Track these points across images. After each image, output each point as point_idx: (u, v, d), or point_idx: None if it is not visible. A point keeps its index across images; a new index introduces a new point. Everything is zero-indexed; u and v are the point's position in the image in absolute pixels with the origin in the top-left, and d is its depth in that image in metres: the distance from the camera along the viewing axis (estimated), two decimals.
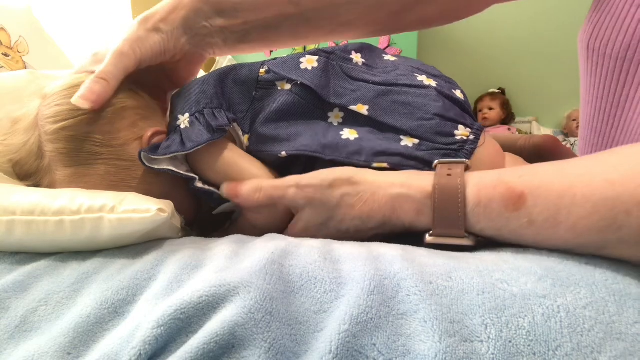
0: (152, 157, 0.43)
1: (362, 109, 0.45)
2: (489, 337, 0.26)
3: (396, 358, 0.25)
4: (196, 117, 0.45)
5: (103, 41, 1.71)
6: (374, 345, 0.26)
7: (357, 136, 0.44)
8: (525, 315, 0.27)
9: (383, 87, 0.46)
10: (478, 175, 0.37)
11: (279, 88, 0.46)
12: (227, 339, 0.26)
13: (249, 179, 0.44)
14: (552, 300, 0.27)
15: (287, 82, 0.46)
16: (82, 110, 0.43)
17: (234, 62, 0.64)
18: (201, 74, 0.57)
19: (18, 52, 1.14)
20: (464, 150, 0.43)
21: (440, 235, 0.36)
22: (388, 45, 2.18)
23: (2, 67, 1.06)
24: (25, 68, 1.12)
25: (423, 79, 0.47)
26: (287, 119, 0.45)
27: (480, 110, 2.74)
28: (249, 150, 0.47)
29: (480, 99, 2.78)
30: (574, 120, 2.58)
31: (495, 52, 2.72)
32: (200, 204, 0.50)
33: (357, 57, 0.49)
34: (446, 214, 0.36)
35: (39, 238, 0.36)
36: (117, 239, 0.36)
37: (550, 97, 2.71)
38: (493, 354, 0.25)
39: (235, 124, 0.46)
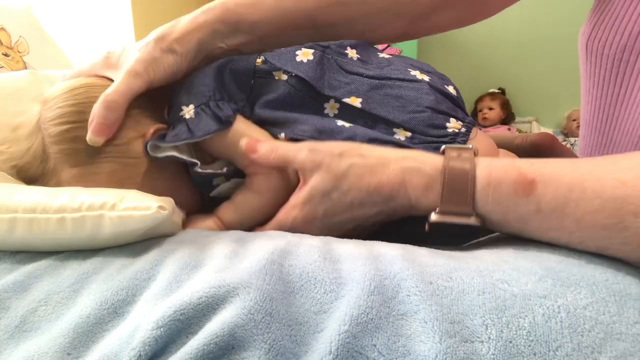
0: (159, 144, 0.45)
1: (356, 102, 0.46)
2: (489, 338, 0.26)
3: (396, 359, 0.25)
4: (202, 109, 0.45)
5: (115, 42, 1.72)
6: (374, 345, 0.26)
7: (351, 125, 0.46)
8: (526, 316, 0.27)
9: (376, 81, 0.47)
10: (488, 159, 0.37)
11: (276, 78, 0.47)
12: (226, 340, 0.26)
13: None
14: (552, 301, 0.27)
15: (284, 72, 0.47)
16: (85, 110, 0.43)
17: None
18: None
19: (18, 52, 1.14)
20: (456, 143, 0.44)
21: (447, 212, 0.36)
22: (388, 46, 2.18)
23: (2, 67, 1.06)
24: (25, 68, 1.12)
25: (416, 73, 0.48)
26: (284, 108, 0.47)
27: (480, 110, 2.74)
28: None
29: (480, 99, 2.78)
30: (574, 120, 2.58)
31: (495, 52, 2.72)
32: (203, 199, 0.50)
33: (352, 53, 0.50)
34: (455, 190, 0.36)
35: (40, 236, 0.36)
36: (118, 236, 0.36)
37: (550, 97, 2.71)
38: (493, 354, 0.25)
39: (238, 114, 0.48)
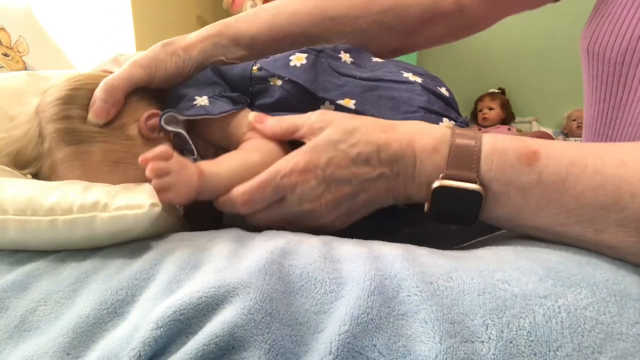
0: (177, 115, 0.46)
1: (349, 103, 0.46)
2: (489, 338, 0.26)
3: (397, 359, 0.25)
4: (215, 98, 0.48)
5: (115, 43, 1.72)
6: (375, 346, 0.26)
7: None
8: (526, 316, 0.27)
9: (370, 83, 0.47)
10: (493, 134, 0.38)
11: (272, 83, 0.48)
12: (226, 340, 0.26)
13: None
14: (552, 301, 0.27)
15: (278, 78, 0.48)
16: (82, 94, 0.44)
17: None
18: None
19: (18, 52, 1.14)
20: None
21: (451, 177, 0.36)
22: None
23: (2, 67, 1.06)
24: (25, 68, 1.12)
25: (409, 75, 0.49)
26: (281, 111, 0.47)
27: (480, 110, 2.74)
28: None
29: (480, 99, 2.78)
30: (574, 120, 2.58)
31: (495, 52, 2.72)
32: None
33: (345, 56, 0.51)
34: (461, 154, 0.36)
35: (33, 237, 0.36)
36: (113, 235, 0.36)
37: (550, 97, 2.71)
38: (494, 354, 0.25)
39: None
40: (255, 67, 0.49)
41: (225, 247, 0.35)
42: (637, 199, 0.30)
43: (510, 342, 0.25)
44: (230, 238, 0.37)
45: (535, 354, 0.25)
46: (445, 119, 0.46)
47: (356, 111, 0.46)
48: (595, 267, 0.31)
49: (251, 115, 0.46)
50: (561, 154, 0.34)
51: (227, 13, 2.34)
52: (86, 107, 0.44)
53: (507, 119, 2.71)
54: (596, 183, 0.32)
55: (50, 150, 0.43)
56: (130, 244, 0.37)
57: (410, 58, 1.94)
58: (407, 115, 0.45)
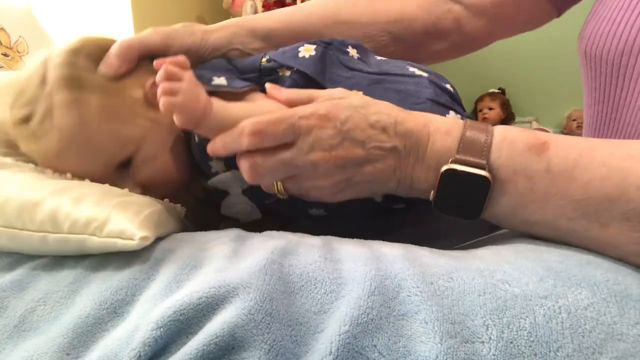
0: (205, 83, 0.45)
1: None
2: (490, 338, 0.26)
3: (397, 359, 0.25)
4: (232, 79, 0.48)
5: None
6: (375, 346, 0.26)
7: None
8: (527, 316, 0.27)
9: (377, 76, 0.48)
10: (505, 126, 0.38)
11: (280, 74, 0.48)
12: (226, 340, 0.26)
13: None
14: (553, 301, 0.27)
15: (287, 68, 0.48)
16: (92, 49, 0.45)
17: None
18: None
19: (18, 52, 1.14)
20: None
21: (461, 162, 0.36)
22: None
23: (1, 67, 1.06)
24: None
25: (415, 70, 0.49)
26: None
27: (480, 110, 2.74)
28: None
29: (480, 99, 2.77)
30: (574, 120, 2.58)
31: (495, 52, 2.72)
32: (191, 169, 0.50)
33: (352, 51, 0.51)
34: (473, 139, 0.36)
35: (25, 248, 0.36)
36: (104, 253, 0.36)
37: (550, 97, 2.71)
38: (494, 354, 0.25)
39: None
40: (264, 59, 0.49)
41: (225, 247, 0.35)
42: None
43: (511, 343, 0.25)
44: (230, 238, 0.37)
45: (535, 355, 0.25)
46: (451, 112, 0.46)
47: None
48: (596, 267, 0.31)
49: (268, 85, 0.45)
50: (570, 146, 0.34)
51: (227, 13, 2.34)
52: (93, 59, 0.45)
53: (507, 119, 2.71)
54: (603, 174, 0.32)
55: (50, 93, 0.43)
56: None
57: None
58: (414, 106, 0.45)
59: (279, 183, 0.40)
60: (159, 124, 0.46)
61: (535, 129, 2.66)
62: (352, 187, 0.40)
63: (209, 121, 0.40)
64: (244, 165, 0.39)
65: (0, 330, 0.31)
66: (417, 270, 0.30)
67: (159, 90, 0.37)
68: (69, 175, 0.43)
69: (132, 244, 0.34)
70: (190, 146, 0.48)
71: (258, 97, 0.47)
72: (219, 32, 0.52)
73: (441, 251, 0.35)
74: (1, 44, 1.10)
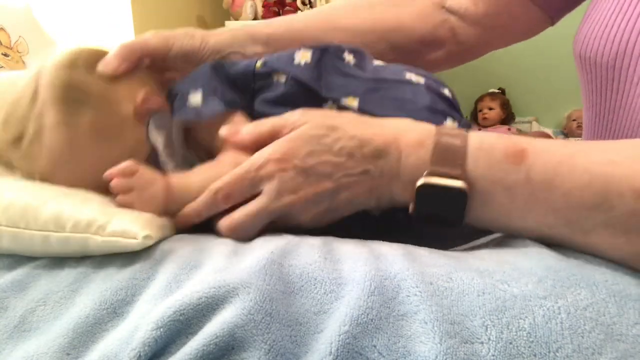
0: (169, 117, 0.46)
1: (353, 102, 0.46)
2: (489, 339, 0.26)
3: (396, 359, 0.25)
4: (209, 97, 0.47)
5: (107, 44, 1.72)
6: (374, 346, 0.26)
7: None
8: (526, 317, 0.27)
9: (373, 83, 0.47)
10: (480, 132, 0.38)
11: (275, 79, 0.48)
12: (226, 340, 0.26)
13: None
14: (552, 302, 0.27)
15: (282, 74, 0.47)
16: (84, 63, 0.44)
17: None
18: None
19: (18, 52, 1.14)
20: None
21: (436, 173, 0.35)
22: None
23: (1, 67, 1.06)
24: (25, 68, 1.12)
25: (412, 76, 0.49)
26: (284, 105, 0.46)
27: (480, 110, 2.74)
28: None
29: (480, 99, 2.77)
30: (574, 120, 2.58)
31: (495, 52, 2.72)
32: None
33: (349, 57, 0.51)
34: (447, 149, 0.35)
35: (26, 248, 0.36)
36: (106, 253, 0.36)
37: (550, 97, 2.71)
38: (494, 355, 0.25)
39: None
40: (259, 63, 0.48)
41: (225, 247, 0.35)
42: (624, 199, 0.30)
43: (510, 343, 0.25)
44: (229, 239, 0.38)
45: (535, 355, 0.25)
46: (449, 119, 0.46)
47: (359, 110, 0.46)
48: (595, 267, 0.31)
49: (223, 130, 0.44)
50: (549, 153, 0.34)
51: (227, 13, 2.34)
52: (85, 73, 0.44)
53: (507, 119, 2.71)
54: (584, 182, 0.32)
55: (41, 113, 0.43)
56: None
57: None
58: (411, 114, 0.44)
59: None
60: (146, 144, 0.46)
61: (535, 129, 2.66)
62: (333, 212, 0.39)
63: (173, 206, 0.41)
64: (224, 226, 0.39)
65: (0, 331, 0.31)
66: (416, 270, 0.30)
67: (112, 187, 0.38)
68: None
69: (135, 243, 0.34)
70: None
71: (237, 119, 0.46)
72: (218, 35, 0.52)
73: (441, 251, 0.35)
74: (1, 44, 1.10)
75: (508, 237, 0.38)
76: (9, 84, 0.52)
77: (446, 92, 0.49)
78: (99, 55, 0.46)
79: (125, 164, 0.38)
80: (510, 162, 0.34)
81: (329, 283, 0.30)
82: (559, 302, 0.27)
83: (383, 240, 0.38)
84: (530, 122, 2.74)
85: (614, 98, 0.45)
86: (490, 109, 2.70)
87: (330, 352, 0.25)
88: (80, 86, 0.44)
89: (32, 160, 0.43)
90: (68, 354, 0.28)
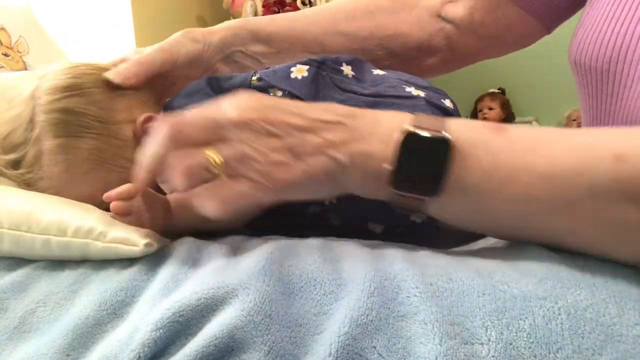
0: None
1: None
2: (489, 340, 0.26)
3: None
4: None
5: (115, 42, 1.72)
6: (374, 347, 0.26)
7: None
8: (526, 317, 0.27)
9: (372, 99, 0.46)
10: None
11: (272, 94, 0.47)
12: (226, 342, 0.26)
13: None
14: (552, 302, 0.27)
15: (278, 89, 0.46)
16: (81, 85, 0.44)
17: None
18: None
19: (18, 52, 1.14)
20: None
21: (420, 126, 0.32)
22: None
23: (2, 67, 1.06)
24: (26, 68, 1.12)
25: (411, 89, 0.47)
26: None
27: (480, 110, 2.74)
28: None
29: (480, 99, 2.77)
30: (574, 120, 2.58)
31: None
32: None
33: (347, 69, 0.50)
34: (427, 117, 0.34)
35: (27, 252, 0.36)
36: (107, 258, 0.36)
37: (550, 97, 2.70)
38: (494, 356, 0.25)
39: None
40: (254, 78, 0.48)
41: (224, 248, 0.35)
42: (606, 163, 0.29)
43: (510, 344, 0.25)
44: (229, 239, 0.38)
45: (535, 356, 0.25)
46: None
47: None
48: (595, 268, 0.31)
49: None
50: (529, 130, 0.33)
51: (227, 13, 2.34)
52: (85, 99, 0.44)
53: (507, 119, 2.71)
54: (566, 148, 0.31)
55: (39, 138, 0.43)
56: None
57: None
58: None
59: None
60: None
61: None
62: (296, 163, 0.33)
63: (175, 221, 0.41)
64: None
65: (0, 332, 0.31)
66: (416, 270, 0.30)
67: (112, 210, 0.37)
68: None
69: (136, 250, 0.34)
70: None
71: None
72: (220, 32, 0.53)
73: (441, 251, 0.35)
74: (1, 44, 1.10)
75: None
76: (7, 88, 0.51)
77: (447, 103, 0.48)
78: (95, 77, 0.46)
79: (124, 187, 0.38)
80: (492, 132, 0.33)
81: (329, 284, 0.30)
82: (559, 302, 0.27)
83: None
84: (530, 122, 2.74)
85: (609, 102, 0.45)
86: (490, 109, 2.70)
87: (330, 353, 0.25)
88: (78, 110, 0.43)
89: (32, 185, 0.43)
90: (68, 355, 0.28)
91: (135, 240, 0.34)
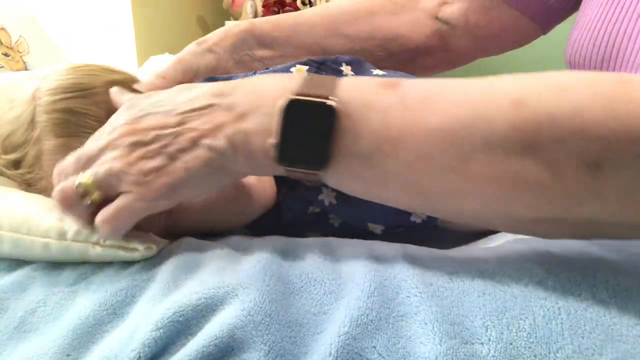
0: None
1: None
2: (489, 339, 0.26)
3: None
4: None
5: (115, 43, 1.72)
6: (374, 347, 0.26)
7: None
8: (526, 317, 0.27)
9: None
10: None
11: None
12: (226, 341, 0.26)
13: None
14: (552, 302, 0.27)
15: None
16: (83, 85, 0.44)
17: None
18: None
19: (18, 52, 1.14)
20: None
21: (304, 94, 0.30)
22: None
23: (2, 67, 1.06)
24: (26, 68, 1.12)
25: None
26: None
27: None
28: None
29: None
30: None
31: None
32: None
33: (347, 69, 0.50)
34: (314, 77, 0.32)
35: (27, 254, 0.36)
36: (106, 261, 0.36)
37: None
38: (494, 356, 0.25)
39: None
40: None
41: (224, 248, 0.35)
42: (503, 110, 0.27)
43: (510, 344, 0.25)
44: (229, 240, 0.37)
45: (535, 356, 0.25)
46: None
47: None
48: (596, 267, 0.31)
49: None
50: (423, 82, 0.31)
51: (227, 13, 2.34)
52: (86, 100, 0.44)
53: None
54: (460, 98, 0.29)
55: (39, 138, 0.43)
56: None
57: None
58: None
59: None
60: None
61: None
62: (172, 164, 0.32)
63: (176, 224, 0.41)
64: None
65: (0, 332, 0.31)
66: (416, 270, 0.30)
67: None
68: None
69: (136, 254, 0.34)
70: None
71: None
72: (229, 39, 0.56)
73: (441, 251, 0.35)
74: (1, 44, 1.10)
75: (508, 238, 0.38)
76: (8, 88, 0.51)
77: None
78: (97, 73, 0.46)
79: None
80: (383, 88, 0.30)
81: (329, 283, 0.30)
82: (559, 302, 0.27)
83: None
84: None
85: None
86: None
87: (330, 353, 0.25)
88: (79, 110, 0.43)
89: (32, 185, 0.44)
90: (68, 355, 0.28)
91: (135, 244, 0.34)
